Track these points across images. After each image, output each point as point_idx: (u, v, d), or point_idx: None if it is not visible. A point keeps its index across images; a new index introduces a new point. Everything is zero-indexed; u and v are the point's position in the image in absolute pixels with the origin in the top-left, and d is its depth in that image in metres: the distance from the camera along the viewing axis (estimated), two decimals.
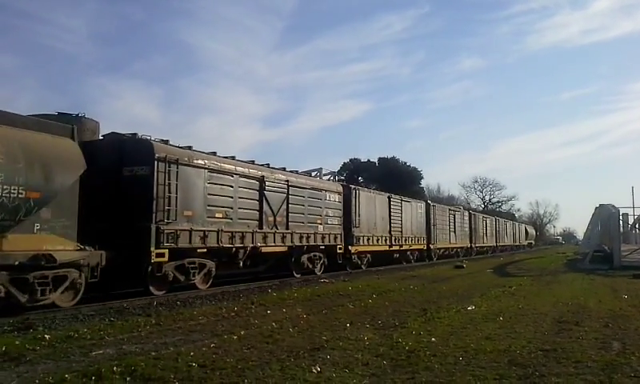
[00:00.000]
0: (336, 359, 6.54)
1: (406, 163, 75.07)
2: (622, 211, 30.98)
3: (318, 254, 21.54)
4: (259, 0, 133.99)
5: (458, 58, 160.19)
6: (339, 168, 70.35)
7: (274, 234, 18.10)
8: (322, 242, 21.43)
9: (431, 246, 35.42)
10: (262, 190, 17.67)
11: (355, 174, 70.61)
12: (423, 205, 35.66)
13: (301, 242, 19.80)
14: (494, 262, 34.44)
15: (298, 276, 19.91)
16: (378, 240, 27.32)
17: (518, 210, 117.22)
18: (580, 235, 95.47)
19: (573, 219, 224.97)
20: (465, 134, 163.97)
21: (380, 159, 74.76)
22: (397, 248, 30.13)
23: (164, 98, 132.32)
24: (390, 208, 29.33)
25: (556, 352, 6.99)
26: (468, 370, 6.07)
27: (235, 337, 8.02)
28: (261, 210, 17.50)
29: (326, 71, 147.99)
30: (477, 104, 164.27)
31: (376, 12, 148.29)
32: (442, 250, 38.55)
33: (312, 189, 21.27)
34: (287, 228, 18.97)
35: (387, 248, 28.75)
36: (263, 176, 17.90)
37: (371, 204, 27.11)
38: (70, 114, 11.68)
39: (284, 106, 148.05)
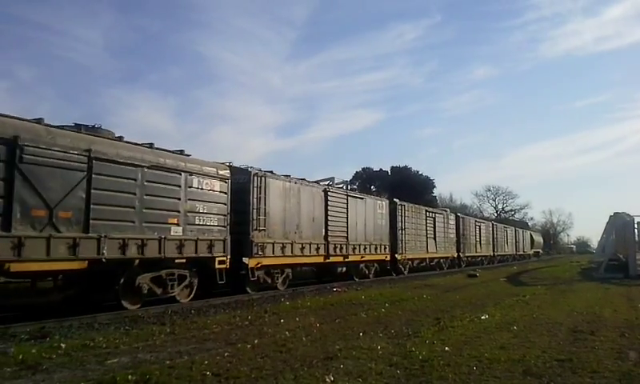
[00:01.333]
0: (349, 369, 6.55)
1: (418, 172, 74.83)
2: (637, 220, 30.65)
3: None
4: (273, 11, 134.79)
5: (471, 67, 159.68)
6: (352, 177, 70.39)
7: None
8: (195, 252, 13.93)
9: (398, 257, 27.56)
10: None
11: (367, 183, 70.47)
12: (385, 203, 27.30)
13: None
14: (508, 271, 34.17)
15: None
16: (303, 248, 19.34)
17: (532, 218, 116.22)
18: (594, 244, 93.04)
19: (587, 228, 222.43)
20: (478, 143, 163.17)
21: (392, 168, 74.60)
22: (338, 259, 21.92)
23: (179, 109, 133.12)
24: (326, 205, 21.17)
25: (571, 362, 6.95)
26: (482, 380, 6.06)
27: (249, 346, 8.05)
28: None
29: (339, 81, 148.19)
30: (490, 112, 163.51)
31: (388, 21, 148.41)
32: (415, 262, 30.57)
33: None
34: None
35: (321, 259, 20.80)
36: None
37: (292, 197, 19.11)
38: (87, 125, 11.80)
39: (297, 115, 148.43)
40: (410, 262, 29.67)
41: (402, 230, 28.32)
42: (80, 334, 9.29)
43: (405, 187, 61.39)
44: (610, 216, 33.90)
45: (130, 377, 6.00)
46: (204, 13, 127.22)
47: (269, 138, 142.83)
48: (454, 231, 38.31)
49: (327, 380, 6.00)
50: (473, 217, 47.05)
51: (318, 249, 20.29)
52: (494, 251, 49.74)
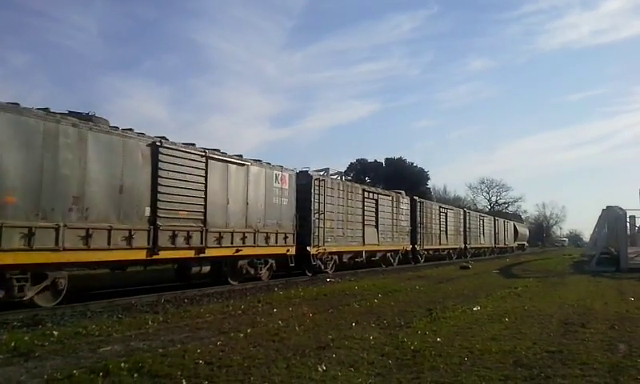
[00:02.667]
0: (342, 358, 6.58)
1: (412, 164, 75.17)
2: (629, 213, 30.89)
3: None
4: (269, 0, 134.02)
5: (467, 59, 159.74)
6: (346, 168, 70.48)
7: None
8: None
9: (311, 250, 20.46)
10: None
11: (362, 174, 70.64)
12: (288, 176, 19.51)
13: None
14: (500, 263, 34.35)
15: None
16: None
17: (525, 211, 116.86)
18: (586, 237, 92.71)
19: (579, 221, 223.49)
20: (473, 135, 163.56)
21: (387, 159, 74.80)
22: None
23: (174, 97, 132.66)
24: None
25: (562, 354, 7.01)
26: (473, 371, 6.09)
27: (242, 335, 8.06)
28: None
29: (335, 71, 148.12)
30: (485, 105, 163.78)
31: (385, 12, 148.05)
32: (344, 256, 23.47)
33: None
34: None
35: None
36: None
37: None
38: (80, 113, 11.74)
39: (292, 105, 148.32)
40: (331, 257, 22.51)
41: (318, 214, 21.21)
42: (73, 322, 9.29)
43: (399, 179, 61.57)
44: (603, 209, 34.12)
45: (122, 365, 6.00)
46: (199, 0, 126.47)
47: (264, 128, 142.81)
48: (408, 218, 30.45)
49: (320, 369, 6.02)
50: (438, 203, 38.95)
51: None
52: (465, 243, 42.62)
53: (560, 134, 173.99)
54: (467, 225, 43.01)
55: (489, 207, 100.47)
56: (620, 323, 9.61)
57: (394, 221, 28.72)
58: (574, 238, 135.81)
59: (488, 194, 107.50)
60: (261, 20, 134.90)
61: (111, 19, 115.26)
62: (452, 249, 39.50)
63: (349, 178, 58.58)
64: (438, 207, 37.35)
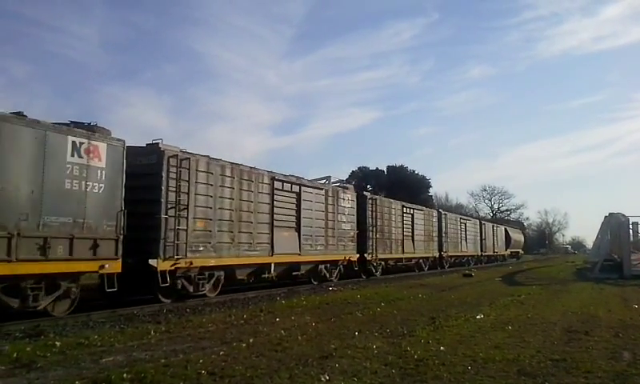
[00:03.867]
0: (344, 368, 6.55)
1: (414, 171, 75.18)
2: (631, 220, 30.79)
3: None
4: (269, 8, 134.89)
5: (467, 66, 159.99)
6: (348, 176, 70.46)
7: None
8: None
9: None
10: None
11: (364, 181, 70.56)
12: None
13: None
14: (503, 271, 34.26)
15: None
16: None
17: (527, 218, 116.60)
18: (589, 244, 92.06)
19: (582, 228, 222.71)
20: (474, 142, 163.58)
21: (388, 167, 74.85)
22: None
23: (174, 106, 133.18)
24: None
25: (565, 362, 6.97)
26: (477, 380, 6.07)
27: (244, 344, 8.04)
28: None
29: (335, 79, 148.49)
30: (486, 112, 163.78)
31: (385, 20, 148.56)
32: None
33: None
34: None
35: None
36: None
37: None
38: (82, 123, 11.76)
39: (293, 113, 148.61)
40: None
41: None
42: (75, 333, 9.28)
43: (401, 186, 61.61)
44: (605, 216, 34.05)
45: (124, 375, 5.99)
46: (200, 9, 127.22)
47: (265, 136, 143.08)
48: (354, 220, 24.24)
49: (322, 379, 6.00)
50: (400, 201, 31.17)
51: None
52: (440, 251, 35.51)
53: (561, 141, 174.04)
54: (443, 229, 35.93)
55: (491, 214, 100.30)
56: (624, 331, 9.57)
57: (335, 223, 24.18)
58: (577, 245, 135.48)
59: (490, 201, 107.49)
60: (261, 28, 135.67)
61: (112, 28, 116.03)
62: (423, 258, 33.21)
63: (352, 185, 58.49)
64: (400, 206, 30.19)
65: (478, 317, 11.24)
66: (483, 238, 46.93)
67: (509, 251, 60.14)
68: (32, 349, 7.60)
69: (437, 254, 35.19)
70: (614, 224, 31.02)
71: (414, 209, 32.08)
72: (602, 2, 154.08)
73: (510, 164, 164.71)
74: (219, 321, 10.73)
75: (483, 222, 49.92)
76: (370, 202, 25.78)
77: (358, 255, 23.86)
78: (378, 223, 26.23)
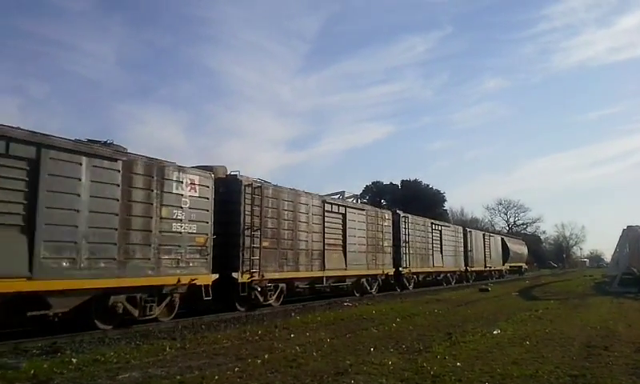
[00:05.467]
0: None
1: (429, 186, 74.91)
2: None
3: None
4: (283, 25, 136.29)
5: (482, 79, 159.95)
6: (362, 191, 70.46)
7: None
8: None
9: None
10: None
11: (378, 196, 70.50)
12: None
13: None
14: (520, 285, 33.88)
15: None
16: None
17: (544, 232, 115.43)
18: (607, 258, 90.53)
19: (600, 241, 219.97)
20: (489, 156, 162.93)
21: (403, 181, 74.68)
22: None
23: (190, 123, 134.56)
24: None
25: (585, 378, 6.87)
26: None
27: (259, 361, 8.02)
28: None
29: (349, 94, 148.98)
30: (501, 125, 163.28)
31: (399, 34, 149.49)
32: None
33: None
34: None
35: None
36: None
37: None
38: (99, 141, 11.92)
39: (307, 129, 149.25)
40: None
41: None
42: (91, 349, 9.32)
43: (415, 201, 61.41)
44: (624, 229, 33.61)
45: None
46: (214, 27, 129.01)
47: (279, 152, 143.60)
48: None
49: None
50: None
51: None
52: (398, 266, 26.33)
53: (579, 153, 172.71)
54: (405, 237, 27.49)
55: (507, 228, 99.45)
56: None
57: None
58: (595, 259, 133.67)
59: (506, 215, 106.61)
60: (275, 45, 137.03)
61: (128, 47, 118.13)
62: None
63: (365, 200, 58.54)
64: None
65: (495, 332, 11.11)
66: (469, 249, 37.98)
67: (507, 266, 51.22)
68: (49, 365, 7.65)
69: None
70: (633, 237, 30.60)
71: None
72: (618, 12, 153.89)
73: (526, 177, 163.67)
74: (234, 337, 10.72)
75: (469, 229, 40.55)
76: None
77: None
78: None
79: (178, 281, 12.96)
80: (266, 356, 8.39)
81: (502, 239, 52.26)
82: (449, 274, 33.99)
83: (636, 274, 29.14)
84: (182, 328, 12.15)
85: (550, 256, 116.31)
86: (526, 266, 65.53)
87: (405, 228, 27.59)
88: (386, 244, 25.10)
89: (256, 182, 16.48)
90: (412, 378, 6.85)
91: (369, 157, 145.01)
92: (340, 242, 21.24)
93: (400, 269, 26.44)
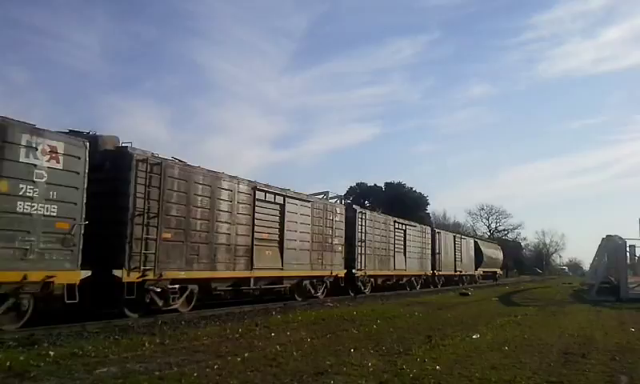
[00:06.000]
0: None
1: (412, 189, 75.28)
2: (629, 243, 30.77)
3: None
4: (271, 22, 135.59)
5: (468, 84, 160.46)
6: (346, 192, 70.62)
7: None
8: None
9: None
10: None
11: (361, 198, 70.70)
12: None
13: None
14: (500, 291, 34.17)
15: None
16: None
17: (525, 238, 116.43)
18: (586, 266, 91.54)
19: (579, 250, 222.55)
20: (473, 161, 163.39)
21: (386, 184, 74.98)
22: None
23: (174, 117, 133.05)
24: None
25: None
26: None
27: (239, 359, 8.00)
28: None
29: (335, 94, 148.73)
30: (486, 130, 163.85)
31: (386, 37, 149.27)
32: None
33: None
34: None
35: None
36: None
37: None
38: (82, 132, 11.80)
39: (293, 127, 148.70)
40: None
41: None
42: (69, 342, 9.21)
43: (398, 204, 61.68)
44: (603, 238, 34.03)
45: None
46: (201, 21, 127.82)
47: (264, 150, 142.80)
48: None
49: None
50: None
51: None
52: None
53: (560, 162, 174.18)
54: (361, 236, 24.85)
55: (488, 234, 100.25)
56: (621, 354, 9.53)
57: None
58: (574, 267, 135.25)
59: (487, 220, 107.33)
60: (262, 42, 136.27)
61: (113, 38, 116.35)
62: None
63: (348, 201, 58.64)
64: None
65: (474, 336, 11.19)
66: (437, 251, 35.67)
67: (480, 271, 48.61)
68: (25, 358, 7.54)
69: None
70: (611, 247, 30.99)
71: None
72: (603, 24, 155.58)
73: (508, 184, 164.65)
74: (214, 334, 10.66)
75: (438, 230, 38.38)
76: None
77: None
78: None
79: (24, 278, 10.01)
80: (245, 354, 8.36)
81: (476, 242, 49.29)
82: (413, 278, 31.41)
83: (613, 282, 29.54)
84: (161, 324, 12.05)
85: (530, 262, 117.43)
86: (501, 272, 62.61)
87: (361, 225, 24.84)
88: (336, 242, 22.16)
89: (154, 157, 13.30)
90: (391, 379, 6.87)
91: (354, 158, 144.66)
92: (276, 238, 18.33)
93: (354, 271, 23.79)
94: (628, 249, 30.13)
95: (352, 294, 23.74)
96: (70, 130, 11.71)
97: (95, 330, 10.74)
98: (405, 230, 30.49)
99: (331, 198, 23.96)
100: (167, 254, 13.47)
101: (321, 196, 23.08)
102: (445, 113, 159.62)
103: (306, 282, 20.35)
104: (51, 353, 7.95)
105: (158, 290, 13.44)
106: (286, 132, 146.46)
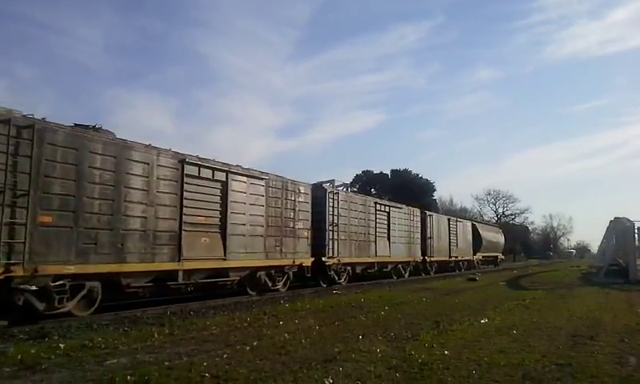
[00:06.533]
0: (348, 371, 6.53)
1: (418, 175, 75.09)
2: (637, 225, 30.61)
3: None
4: (275, 11, 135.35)
5: (474, 69, 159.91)
6: (352, 179, 70.55)
7: None
8: None
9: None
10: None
11: (368, 185, 70.65)
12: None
13: None
14: (508, 275, 34.15)
15: None
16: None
17: (532, 222, 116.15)
18: (594, 249, 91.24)
19: (587, 233, 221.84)
20: (479, 146, 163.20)
21: (393, 171, 74.81)
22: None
23: (179, 109, 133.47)
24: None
25: (571, 367, 6.94)
26: None
27: (248, 347, 8.03)
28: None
29: (340, 82, 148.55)
30: (493, 115, 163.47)
31: (390, 23, 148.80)
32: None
33: None
34: None
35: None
36: None
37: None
38: (87, 126, 11.81)
39: (298, 116, 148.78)
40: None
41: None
42: (79, 335, 9.29)
43: (405, 190, 61.56)
44: (611, 221, 33.89)
45: (128, 378, 6.00)
46: (204, 12, 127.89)
47: (269, 140, 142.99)
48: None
49: (327, 382, 5.99)
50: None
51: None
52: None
53: (567, 145, 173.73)
54: (334, 219, 22.08)
55: (495, 219, 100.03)
56: (630, 336, 9.52)
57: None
58: (582, 250, 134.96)
59: (495, 205, 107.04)
60: (266, 31, 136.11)
61: (117, 31, 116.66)
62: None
63: (354, 189, 58.57)
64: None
65: (482, 321, 11.20)
66: (428, 236, 32.70)
67: (480, 256, 45.62)
68: (36, 351, 7.61)
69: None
70: (620, 229, 30.86)
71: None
72: (609, 5, 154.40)
73: (515, 168, 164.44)
74: (223, 324, 10.72)
75: (429, 213, 34.47)
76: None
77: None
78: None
79: None
80: (254, 343, 8.40)
81: (474, 225, 46.05)
82: (400, 266, 28.39)
83: (622, 265, 29.47)
84: (170, 314, 12.13)
85: (538, 246, 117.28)
86: (503, 257, 58.79)
87: (333, 207, 21.64)
88: (300, 226, 19.02)
89: (25, 118, 10.40)
90: (400, 365, 6.88)
91: (360, 145, 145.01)
92: (216, 222, 15.14)
93: (324, 259, 20.78)
94: (636, 231, 30.00)
95: (324, 286, 21.35)
96: (76, 124, 11.72)
97: (105, 322, 10.81)
98: (388, 213, 27.44)
99: (337, 186, 23.63)
100: (47, 244, 10.57)
101: (327, 184, 22.80)
102: (451, 98, 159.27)
103: (261, 274, 17.38)
104: (61, 345, 8.02)
105: (33, 289, 10.43)
106: (291, 121, 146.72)
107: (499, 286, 23.76)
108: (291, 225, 18.79)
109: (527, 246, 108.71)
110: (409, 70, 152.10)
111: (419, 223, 31.44)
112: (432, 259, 32.95)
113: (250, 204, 16.56)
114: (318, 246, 20.65)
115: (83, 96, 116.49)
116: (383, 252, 26.41)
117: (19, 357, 7.15)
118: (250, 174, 16.73)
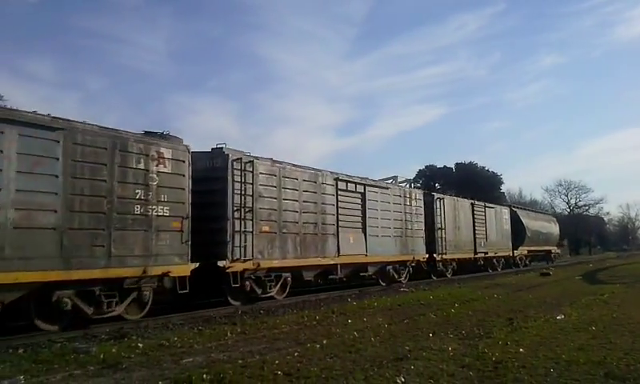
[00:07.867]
0: (420, 370, 6.46)
1: (484, 168, 73.05)
2: None
3: None
4: (330, 9, 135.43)
5: (538, 56, 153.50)
6: (415, 175, 69.63)
7: None
8: None
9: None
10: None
11: (431, 180, 69.50)
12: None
13: None
14: (583, 269, 32.74)
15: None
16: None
17: (607, 213, 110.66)
18: None
19: None
20: (547, 135, 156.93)
21: (457, 165, 73.21)
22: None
23: (241, 112, 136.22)
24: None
25: None
26: (560, 382, 5.85)
27: (318, 345, 8.09)
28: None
29: (399, 77, 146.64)
30: (560, 102, 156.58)
31: (449, 13, 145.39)
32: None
33: None
34: None
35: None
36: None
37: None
38: (155, 133, 12.23)
39: (357, 113, 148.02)
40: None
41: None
42: (156, 334, 9.65)
43: (471, 184, 60.14)
44: None
45: (204, 376, 6.16)
46: (260, 15, 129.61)
47: (329, 138, 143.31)
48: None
49: (398, 381, 5.95)
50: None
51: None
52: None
53: None
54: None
55: (568, 210, 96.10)
56: None
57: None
58: None
59: (566, 196, 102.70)
60: (322, 29, 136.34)
61: (177, 38, 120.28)
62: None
63: (418, 185, 57.75)
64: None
65: (558, 317, 10.79)
66: (439, 226, 25.01)
67: (524, 250, 36.99)
68: (117, 350, 7.98)
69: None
70: None
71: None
72: None
73: (587, 157, 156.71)
74: (292, 322, 10.85)
75: (439, 196, 26.44)
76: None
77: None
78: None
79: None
80: (324, 341, 8.45)
81: (513, 212, 36.35)
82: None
83: None
84: (241, 313, 12.40)
85: (615, 238, 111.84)
86: (558, 251, 49.38)
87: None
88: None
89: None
90: (473, 363, 6.74)
91: (421, 140, 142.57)
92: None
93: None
94: None
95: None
96: (145, 131, 12.16)
97: (179, 322, 11.19)
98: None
99: (400, 182, 23.76)
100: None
101: (389, 180, 22.91)
102: (515, 87, 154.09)
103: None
104: (140, 345, 8.36)
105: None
106: (349, 118, 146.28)
107: (575, 281, 22.83)
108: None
109: (603, 238, 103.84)
110: (470, 61, 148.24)
111: (422, 209, 23.65)
112: (445, 257, 25.34)
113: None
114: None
115: (149, 103, 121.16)
116: (354, 249, 18.83)
117: (102, 356, 7.51)
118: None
